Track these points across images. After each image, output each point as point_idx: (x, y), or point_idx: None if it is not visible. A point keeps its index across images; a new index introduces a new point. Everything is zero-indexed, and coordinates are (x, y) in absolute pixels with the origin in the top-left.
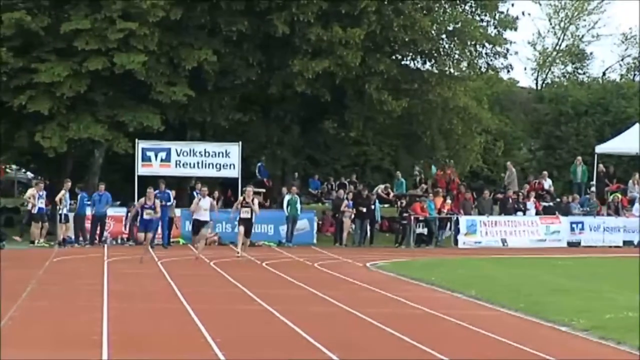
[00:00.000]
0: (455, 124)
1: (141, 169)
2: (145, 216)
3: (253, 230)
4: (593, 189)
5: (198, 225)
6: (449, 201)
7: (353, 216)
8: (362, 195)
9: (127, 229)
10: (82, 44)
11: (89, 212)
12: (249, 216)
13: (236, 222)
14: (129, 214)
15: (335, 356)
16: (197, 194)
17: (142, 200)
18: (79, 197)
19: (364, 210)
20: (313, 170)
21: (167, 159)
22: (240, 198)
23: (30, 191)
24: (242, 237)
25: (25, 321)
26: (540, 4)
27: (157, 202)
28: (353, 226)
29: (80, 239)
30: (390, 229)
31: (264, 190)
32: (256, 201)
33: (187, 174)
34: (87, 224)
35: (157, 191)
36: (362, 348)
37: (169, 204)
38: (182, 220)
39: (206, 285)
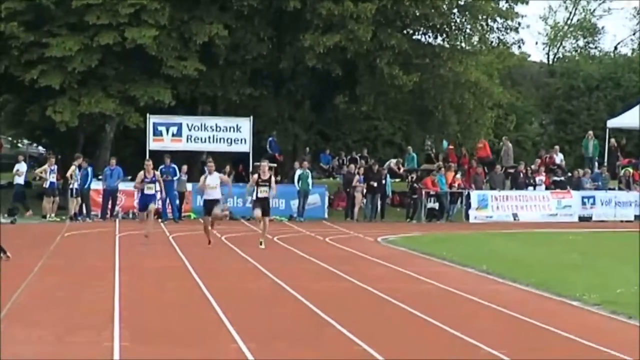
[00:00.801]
0: (466, 99)
1: (152, 144)
2: (147, 190)
3: None
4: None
5: (209, 205)
6: (458, 176)
7: (365, 191)
8: (372, 170)
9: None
10: (93, 18)
11: (96, 186)
12: (266, 195)
13: (250, 204)
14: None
15: (345, 331)
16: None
17: (141, 174)
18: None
19: (375, 184)
20: (324, 145)
21: (179, 133)
22: (255, 176)
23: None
24: (262, 222)
25: (36, 296)
26: None
27: (157, 173)
28: (364, 201)
29: (93, 213)
30: (402, 204)
31: (275, 165)
32: (273, 178)
33: (198, 149)
34: (98, 199)
35: (162, 166)
36: (372, 323)
37: (175, 178)
38: (193, 194)
39: (218, 260)
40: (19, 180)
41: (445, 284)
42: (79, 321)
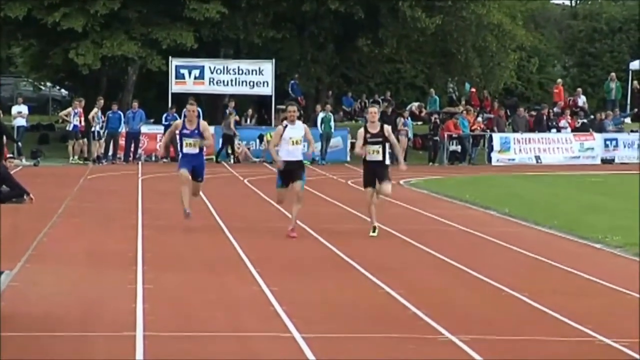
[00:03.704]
0: (489, 41)
1: (175, 87)
2: (186, 148)
3: None
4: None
5: (289, 170)
6: (480, 119)
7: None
8: (387, 114)
9: (162, 149)
10: None
11: (122, 129)
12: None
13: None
14: (163, 138)
15: (368, 273)
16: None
17: (179, 123)
18: (115, 115)
19: (391, 127)
20: (346, 88)
21: (201, 76)
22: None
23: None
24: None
25: (60, 238)
26: None
27: (204, 124)
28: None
29: (118, 155)
30: (424, 147)
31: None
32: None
33: (220, 92)
34: (121, 142)
35: (166, 114)
36: (393, 265)
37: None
38: (215, 138)
39: (239, 203)
40: (22, 122)
41: (467, 226)
42: (103, 261)
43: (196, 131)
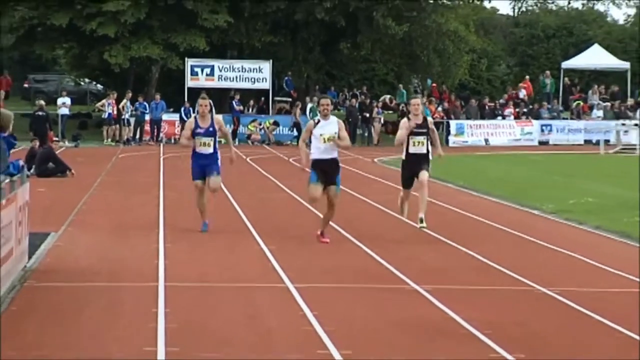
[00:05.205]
0: (447, 45)
1: (190, 82)
2: (200, 148)
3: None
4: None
5: (324, 170)
6: (439, 109)
7: (361, 121)
8: (365, 104)
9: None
10: None
11: (147, 117)
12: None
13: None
14: (182, 139)
15: (341, 229)
16: (236, 104)
17: (191, 122)
18: (135, 106)
19: (368, 115)
20: (330, 83)
21: (211, 73)
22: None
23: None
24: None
25: (95, 206)
26: None
27: (218, 119)
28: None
29: (144, 138)
30: (393, 131)
31: (290, 99)
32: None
33: (227, 86)
34: (147, 127)
35: (182, 107)
36: (364, 225)
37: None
38: (225, 124)
39: (244, 177)
40: (65, 111)
41: (430, 196)
42: (130, 225)
43: (210, 129)
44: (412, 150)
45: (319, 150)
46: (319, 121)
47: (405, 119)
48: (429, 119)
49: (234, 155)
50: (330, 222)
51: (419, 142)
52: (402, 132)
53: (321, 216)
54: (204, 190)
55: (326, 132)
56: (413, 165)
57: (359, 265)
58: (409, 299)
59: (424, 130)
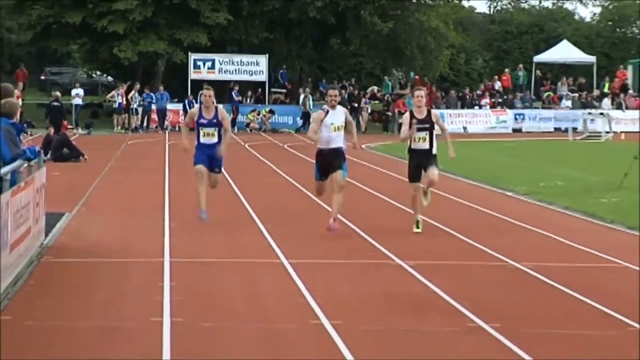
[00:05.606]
0: (428, 41)
1: (193, 75)
2: (204, 138)
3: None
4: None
5: (329, 160)
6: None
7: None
8: (354, 94)
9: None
10: None
11: (153, 107)
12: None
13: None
14: (182, 130)
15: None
16: (235, 94)
17: (195, 111)
18: (143, 96)
19: (356, 105)
20: (322, 76)
21: (212, 67)
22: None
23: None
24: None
25: (106, 189)
26: None
27: (223, 112)
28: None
29: (152, 126)
30: (380, 120)
31: (285, 90)
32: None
33: (227, 79)
34: (154, 116)
35: (186, 99)
36: (354, 208)
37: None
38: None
39: (243, 163)
40: (79, 101)
41: None
42: (138, 206)
43: (214, 120)
44: (413, 146)
45: (323, 140)
46: (328, 111)
47: (407, 113)
48: (434, 111)
49: (223, 150)
50: (322, 203)
51: (420, 139)
52: (404, 129)
53: (323, 205)
54: (205, 179)
55: (336, 121)
56: (417, 163)
57: (348, 243)
58: (394, 273)
59: (427, 126)
